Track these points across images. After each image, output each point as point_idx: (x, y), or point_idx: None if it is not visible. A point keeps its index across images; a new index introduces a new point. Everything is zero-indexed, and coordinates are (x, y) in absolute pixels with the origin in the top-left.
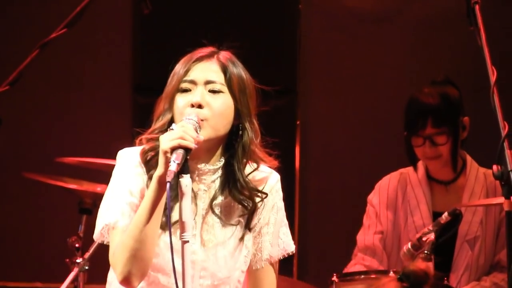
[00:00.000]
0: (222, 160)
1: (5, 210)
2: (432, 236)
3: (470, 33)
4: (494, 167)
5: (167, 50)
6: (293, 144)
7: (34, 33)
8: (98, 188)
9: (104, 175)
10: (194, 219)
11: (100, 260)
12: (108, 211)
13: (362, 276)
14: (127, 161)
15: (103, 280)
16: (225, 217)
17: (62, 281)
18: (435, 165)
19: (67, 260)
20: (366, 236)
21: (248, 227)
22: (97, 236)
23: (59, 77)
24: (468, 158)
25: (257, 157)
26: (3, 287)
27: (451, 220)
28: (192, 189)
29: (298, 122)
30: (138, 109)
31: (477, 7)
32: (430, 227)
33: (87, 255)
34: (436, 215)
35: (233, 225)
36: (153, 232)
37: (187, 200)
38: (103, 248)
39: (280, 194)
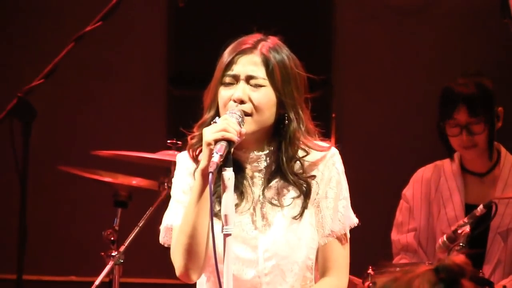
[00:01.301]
0: (272, 146)
1: (40, 204)
2: (467, 228)
3: (504, 24)
4: None
5: (202, 42)
6: (328, 137)
7: (69, 26)
8: (133, 181)
9: (139, 168)
10: (252, 205)
11: (136, 254)
12: (167, 214)
13: (398, 269)
14: (181, 162)
15: (139, 274)
16: (281, 199)
17: (97, 274)
18: (471, 154)
19: (103, 253)
20: (400, 235)
21: (305, 205)
22: (162, 239)
23: (94, 70)
24: (503, 150)
25: (305, 145)
26: (38, 281)
27: (485, 213)
28: (246, 176)
29: (333, 115)
30: (173, 102)
31: None
32: (465, 220)
33: (122, 248)
34: (468, 207)
35: (289, 205)
36: (202, 225)
37: (229, 193)
38: (139, 242)
39: (337, 167)
